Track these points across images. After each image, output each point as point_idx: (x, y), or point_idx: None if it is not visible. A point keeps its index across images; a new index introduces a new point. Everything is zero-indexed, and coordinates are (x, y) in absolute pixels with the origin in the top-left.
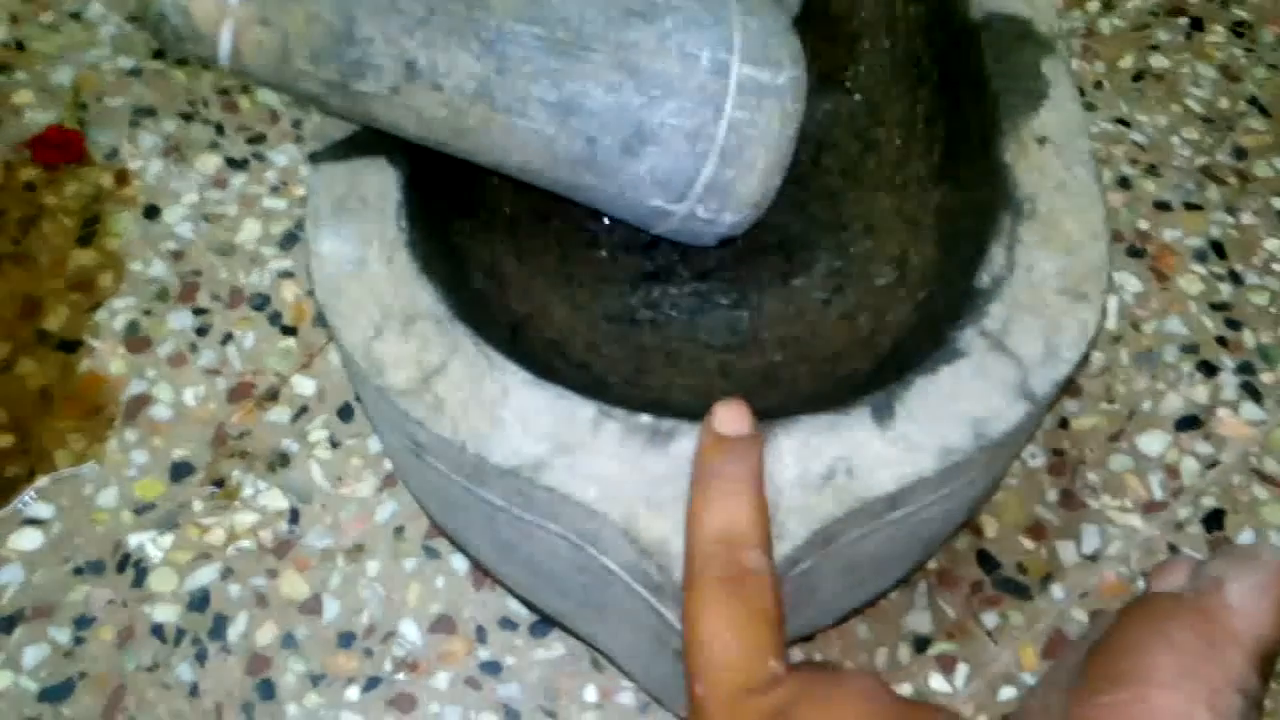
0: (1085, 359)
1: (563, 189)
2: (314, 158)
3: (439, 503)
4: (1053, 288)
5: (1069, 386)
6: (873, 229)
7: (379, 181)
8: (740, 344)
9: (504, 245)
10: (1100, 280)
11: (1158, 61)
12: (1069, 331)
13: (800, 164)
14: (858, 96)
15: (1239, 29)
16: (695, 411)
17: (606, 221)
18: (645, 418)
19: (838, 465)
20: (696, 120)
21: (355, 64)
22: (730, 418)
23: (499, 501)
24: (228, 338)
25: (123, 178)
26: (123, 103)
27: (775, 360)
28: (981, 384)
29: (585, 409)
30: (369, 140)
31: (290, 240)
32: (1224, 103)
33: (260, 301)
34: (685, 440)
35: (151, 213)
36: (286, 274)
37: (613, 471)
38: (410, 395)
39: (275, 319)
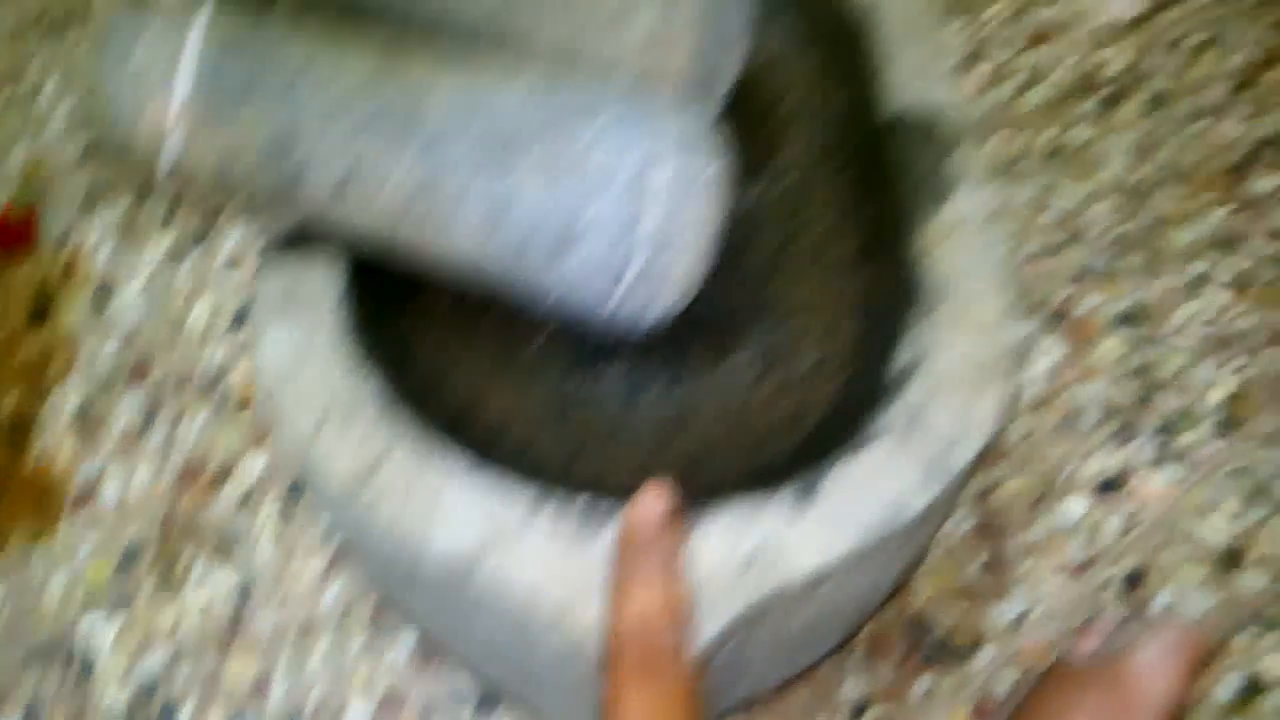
0: (1001, 432)
1: (497, 289)
2: (262, 251)
3: (383, 586)
4: (967, 367)
5: (991, 454)
6: (799, 310)
7: (324, 272)
8: (674, 424)
9: (446, 332)
10: (1012, 358)
11: (1076, 135)
12: (984, 408)
13: (729, 248)
14: (785, 182)
15: (1154, 102)
16: (632, 490)
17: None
18: (580, 503)
19: (762, 548)
20: (625, 215)
21: (295, 173)
22: (647, 508)
23: (437, 590)
24: (179, 418)
25: (74, 259)
26: (76, 182)
27: (708, 439)
28: (901, 462)
29: (521, 497)
30: (316, 232)
31: (242, 318)
32: (1140, 173)
33: (212, 380)
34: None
35: (104, 293)
36: (238, 352)
37: (547, 561)
38: (349, 494)
39: (226, 397)
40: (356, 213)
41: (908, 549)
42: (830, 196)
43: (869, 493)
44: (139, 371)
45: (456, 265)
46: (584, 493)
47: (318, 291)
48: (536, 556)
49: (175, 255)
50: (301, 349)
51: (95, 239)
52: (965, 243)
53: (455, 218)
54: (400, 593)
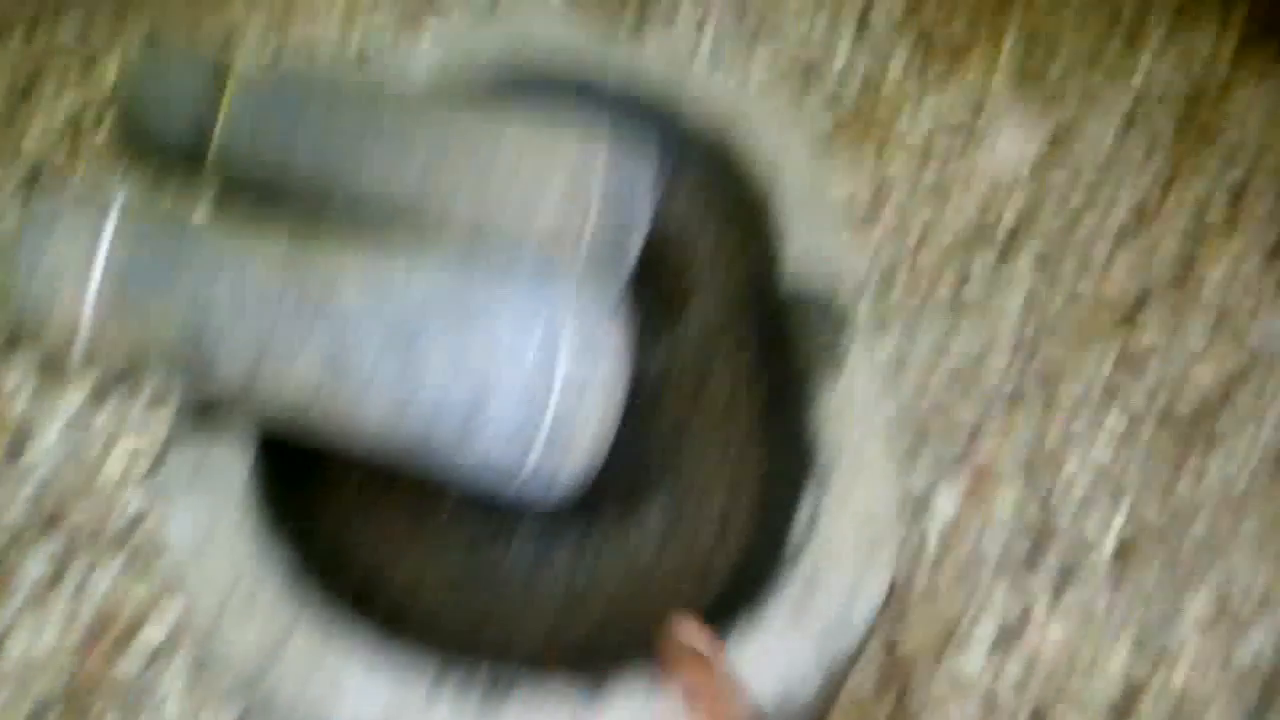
0: (900, 586)
1: (408, 463)
2: (174, 424)
3: None
4: (858, 531)
5: (893, 607)
6: (703, 471)
7: (233, 445)
8: (581, 587)
9: (354, 502)
10: (896, 525)
11: (978, 276)
12: (874, 571)
13: (636, 411)
14: (691, 345)
15: (1053, 241)
16: (538, 658)
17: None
18: (484, 674)
19: None
20: (532, 387)
21: (208, 358)
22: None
23: None
24: (90, 569)
25: None
26: None
27: (615, 602)
28: (801, 625)
29: (424, 671)
30: (230, 406)
31: (158, 467)
32: (1040, 312)
33: (126, 528)
34: (517, 705)
35: (20, 439)
36: (151, 504)
37: None
38: (251, 674)
39: (140, 547)
40: (269, 393)
41: (816, 704)
42: (734, 359)
43: (774, 658)
44: (52, 521)
45: (368, 442)
46: (490, 661)
47: (226, 465)
48: None
49: (97, 395)
50: (208, 524)
51: (14, 383)
52: (857, 410)
53: (365, 397)
54: None
